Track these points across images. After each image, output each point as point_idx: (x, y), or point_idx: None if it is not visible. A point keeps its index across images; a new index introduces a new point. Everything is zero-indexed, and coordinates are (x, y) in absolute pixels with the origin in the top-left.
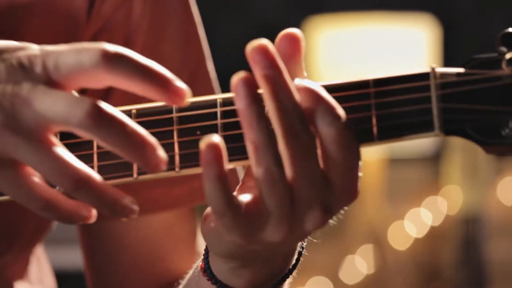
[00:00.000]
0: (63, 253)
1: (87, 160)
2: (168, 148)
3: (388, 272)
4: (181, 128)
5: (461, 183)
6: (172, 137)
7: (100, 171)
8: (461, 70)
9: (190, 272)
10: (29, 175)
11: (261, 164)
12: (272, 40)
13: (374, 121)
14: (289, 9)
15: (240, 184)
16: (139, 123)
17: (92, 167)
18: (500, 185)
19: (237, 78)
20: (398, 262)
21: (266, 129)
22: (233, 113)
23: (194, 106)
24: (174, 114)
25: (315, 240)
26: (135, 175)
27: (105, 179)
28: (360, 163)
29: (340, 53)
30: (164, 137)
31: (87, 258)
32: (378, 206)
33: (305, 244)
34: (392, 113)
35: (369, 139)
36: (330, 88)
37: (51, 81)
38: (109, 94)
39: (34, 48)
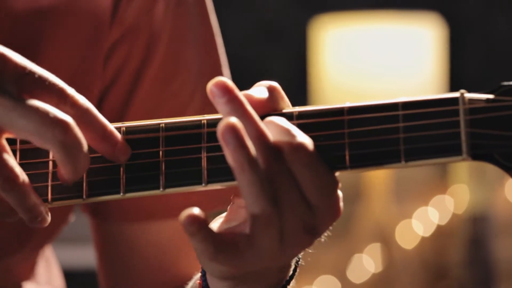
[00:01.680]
0: (72, 252)
1: (42, 179)
2: (196, 162)
3: (396, 271)
4: (210, 145)
5: (469, 182)
6: (201, 153)
7: (52, 190)
8: (490, 96)
9: (190, 283)
10: None
11: (256, 205)
12: (279, 40)
13: (401, 143)
14: (294, 8)
15: (230, 204)
16: (168, 137)
17: (46, 186)
18: (507, 184)
19: (222, 125)
20: (406, 261)
21: (257, 170)
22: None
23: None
24: (204, 130)
25: (322, 240)
26: (84, 196)
27: (56, 199)
28: (339, 184)
29: (346, 52)
30: (193, 152)
31: (100, 259)
32: (386, 205)
33: (301, 256)
34: (421, 137)
35: (396, 161)
36: (364, 109)
37: (20, 94)
38: (135, 90)
39: (10, 56)
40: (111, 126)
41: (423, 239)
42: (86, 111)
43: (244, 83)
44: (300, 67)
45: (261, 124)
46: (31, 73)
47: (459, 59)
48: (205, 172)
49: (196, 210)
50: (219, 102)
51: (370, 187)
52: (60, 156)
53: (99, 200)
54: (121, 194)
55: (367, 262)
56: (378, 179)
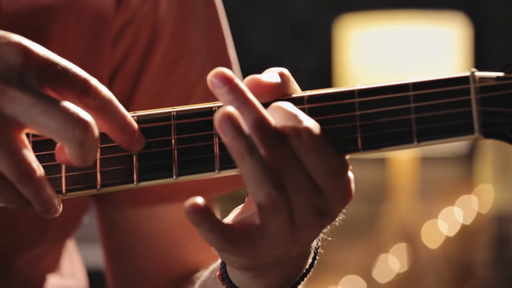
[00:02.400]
0: (96, 252)
1: (56, 170)
2: (209, 149)
3: (422, 271)
4: None
5: (494, 182)
6: (213, 139)
7: (66, 181)
8: (500, 74)
9: (206, 273)
10: None
11: (260, 192)
12: (305, 40)
13: (413, 124)
14: (320, 8)
15: (247, 196)
16: (180, 125)
17: (60, 177)
18: None
19: (218, 115)
20: (432, 261)
21: (258, 157)
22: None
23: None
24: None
25: (329, 238)
26: (98, 186)
27: (70, 190)
28: (349, 167)
29: (371, 52)
30: (205, 139)
31: (105, 248)
32: (411, 205)
33: (320, 243)
34: (432, 116)
35: (409, 141)
36: (375, 90)
37: (42, 87)
38: (142, 73)
39: (32, 48)
40: (130, 116)
41: (449, 239)
42: (108, 102)
43: None
44: (325, 66)
45: (263, 111)
46: (54, 65)
47: (483, 59)
48: (217, 159)
49: (199, 199)
50: (219, 92)
51: (396, 187)
52: (75, 152)
53: (113, 190)
54: (135, 183)
55: (392, 262)
56: (404, 179)
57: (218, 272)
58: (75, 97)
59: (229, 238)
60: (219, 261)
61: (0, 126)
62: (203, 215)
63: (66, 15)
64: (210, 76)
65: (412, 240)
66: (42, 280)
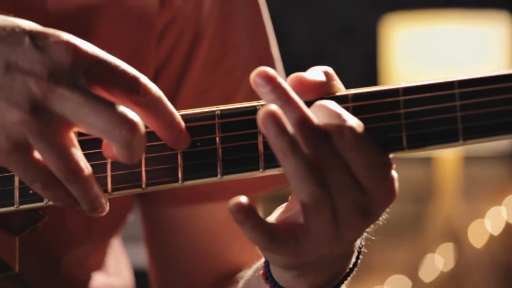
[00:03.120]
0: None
1: (101, 169)
2: (253, 148)
3: (469, 271)
4: None
5: None
6: (257, 138)
7: (111, 180)
8: None
9: (250, 272)
10: (38, 160)
11: (303, 190)
12: (350, 39)
13: (459, 122)
14: (365, 7)
15: (290, 195)
16: (224, 124)
17: (105, 176)
18: None
19: (261, 113)
20: (479, 261)
21: (301, 155)
22: None
23: None
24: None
25: (373, 238)
26: (143, 185)
27: (115, 189)
28: (393, 165)
29: (416, 51)
30: (249, 138)
31: (149, 247)
32: (457, 204)
33: (363, 243)
34: (479, 114)
35: (454, 140)
36: (419, 88)
37: (90, 85)
38: (186, 71)
39: (73, 42)
40: (178, 115)
41: (497, 239)
42: (158, 100)
43: None
44: (370, 65)
45: (306, 109)
46: (102, 62)
47: None
48: (262, 158)
49: (243, 198)
50: (262, 91)
51: (441, 186)
52: (122, 152)
53: (158, 189)
54: (180, 182)
55: (439, 262)
56: (449, 178)
57: (262, 271)
58: (124, 94)
59: (273, 237)
60: (263, 260)
61: (49, 124)
62: (247, 214)
63: (111, 15)
64: (253, 75)
65: (458, 239)
66: (88, 278)
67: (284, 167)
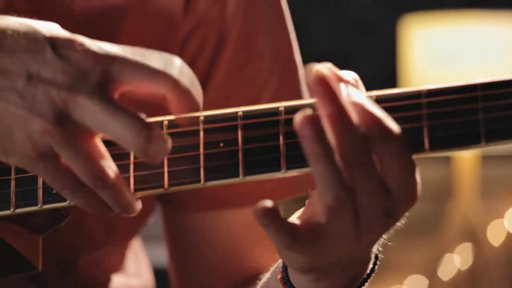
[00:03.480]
0: (161, 250)
1: (124, 170)
2: (275, 149)
3: (487, 270)
4: (288, 132)
5: None
6: (279, 139)
7: (134, 181)
8: None
9: (268, 275)
10: (66, 167)
11: (329, 192)
12: (368, 39)
13: (481, 125)
14: (383, 8)
15: (309, 197)
16: (246, 125)
17: (128, 177)
18: None
19: (300, 117)
20: (497, 260)
21: (332, 160)
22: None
23: (296, 108)
24: (282, 117)
25: (390, 243)
26: (165, 186)
27: (138, 189)
28: (417, 169)
29: (435, 52)
30: (271, 139)
31: (171, 250)
32: (476, 203)
33: (381, 248)
34: (501, 117)
35: (477, 142)
36: (442, 91)
37: (106, 87)
38: (209, 77)
39: (92, 49)
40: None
41: (510, 236)
42: (183, 85)
43: None
44: (389, 66)
45: (352, 114)
46: (122, 62)
47: None
48: (284, 159)
49: (268, 203)
50: (315, 91)
51: (460, 186)
52: (141, 157)
53: (180, 189)
54: (202, 183)
55: (457, 262)
56: (468, 177)
57: (280, 275)
58: (148, 87)
59: (295, 236)
60: (280, 263)
61: (72, 132)
62: (272, 218)
63: (136, 18)
64: (308, 74)
65: (476, 239)
66: (107, 279)
67: (313, 170)
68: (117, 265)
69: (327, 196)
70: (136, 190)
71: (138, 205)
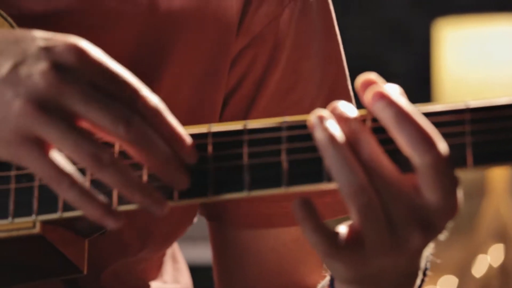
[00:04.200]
0: (192, 249)
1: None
2: (320, 160)
3: None
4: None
5: None
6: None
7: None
8: None
9: None
10: (53, 154)
11: (358, 202)
12: (402, 41)
13: None
14: (417, 10)
15: None
16: (291, 136)
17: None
18: None
19: (324, 137)
20: None
21: (360, 172)
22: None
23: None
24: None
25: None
26: (209, 194)
27: (181, 197)
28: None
29: (469, 54)
30: (314, 150)
31: (217, 261)
32: (508, 204)
33: (429, 265)
34: None
35: None
36: (487, 108)
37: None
38: (256, 97)
39: (86, 50)
40: (180, 129)
41: None
42: (156, 113)
43: None
44: (423, 68)
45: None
46: (105, 69)
47: None
48: (326, 171)
49: (307, 198)
50: (376, 105)
51: (493, 186)
52: (131, 150)
53: (224, 198)
54: (247, 192)
55: (490, 262)
56: (501, 177)
57: None
58: (123, 103)
59: (333, 242)
60: (327, 279)
61: (57, 115)
62: (309, 213)
63: (191, 27)
64: (367, 92)
65: (510, 239)
66: (142, 285)
67: (338, 184)
68: (154, 272)
69: (355, 204)
70: (180, 197)
71: (151, 191)
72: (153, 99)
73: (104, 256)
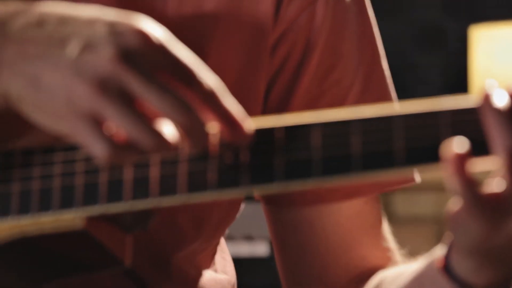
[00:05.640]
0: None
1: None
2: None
3: None
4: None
5: None
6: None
7: None
8: None
9: (414, 267)
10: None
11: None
12: (436, 48)
13: None
14: (452, 16)
15: None
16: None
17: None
18: None
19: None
20: None
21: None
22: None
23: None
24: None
25: None
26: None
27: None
28: None
29: (504, 61)
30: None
31: (279, 247)
32: None
33: None
34: None
35: None
36: None
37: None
38: (297, 81)
39: (150, 35)
40: (238, 111)
41: None
42: (212, 96)
43: (402, 90)
44: (457, 75)
45: None
46: (167, 52)
47: None
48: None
49: (462, 138)
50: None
51: None
52: (185, 133)
53: (331, 182)
54: (356, 174)
55: None
56: None
57: (441, 264)
58: (182, 86)
59: (479, 191)
60: (435, 257)
61: (118, 97)
62: (463, 154)
63: (228, 24)
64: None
65: None
66: (199, 274)
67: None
68: (208, 261)
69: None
70: (285, 180)
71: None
72: (211, 82)
73: (163, 247)
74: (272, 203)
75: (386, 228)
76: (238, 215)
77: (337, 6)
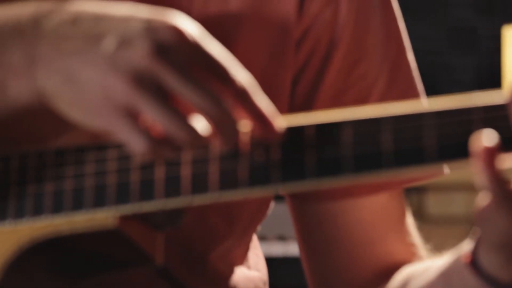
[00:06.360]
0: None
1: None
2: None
3: None
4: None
5: None
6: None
7: None
8: None
9: (440, 262)
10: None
11: None
12: (468, 50)
13: None
14: (484, 16)
15: None
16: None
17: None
18: None
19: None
20: None
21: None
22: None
23: None
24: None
25: None
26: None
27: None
28: None
29: None
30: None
31: (303, 242)
32: None
33: None
34: None
35: None
36: None
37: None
38: (323, 75)
39: (185, 31)
40: (270, 109)
41: None
42: (243, 93)
43: (434, 91)
44: (490, 75)
45: None
46: (200, 52)
47: None
48: (432, 150)
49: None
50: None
51: None
52: (217, 129)
53: (364, 180)
54: (388, 170)
55: None
56: None
57: (468, 259)
58: (214, 82)
59: (508, 184)
60: (462, 252)
61: (153, 92)
62: (492, 147)
63: (252, 23)
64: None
65: None
66: (231, 272)
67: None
68: (241, 258)
69: None
70: (318, 177)
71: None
72: (243, 79)
73: (196, 245)
74: (297, 197)
75: (410, 222)
76: (269, 214)
77: (361, 0)
